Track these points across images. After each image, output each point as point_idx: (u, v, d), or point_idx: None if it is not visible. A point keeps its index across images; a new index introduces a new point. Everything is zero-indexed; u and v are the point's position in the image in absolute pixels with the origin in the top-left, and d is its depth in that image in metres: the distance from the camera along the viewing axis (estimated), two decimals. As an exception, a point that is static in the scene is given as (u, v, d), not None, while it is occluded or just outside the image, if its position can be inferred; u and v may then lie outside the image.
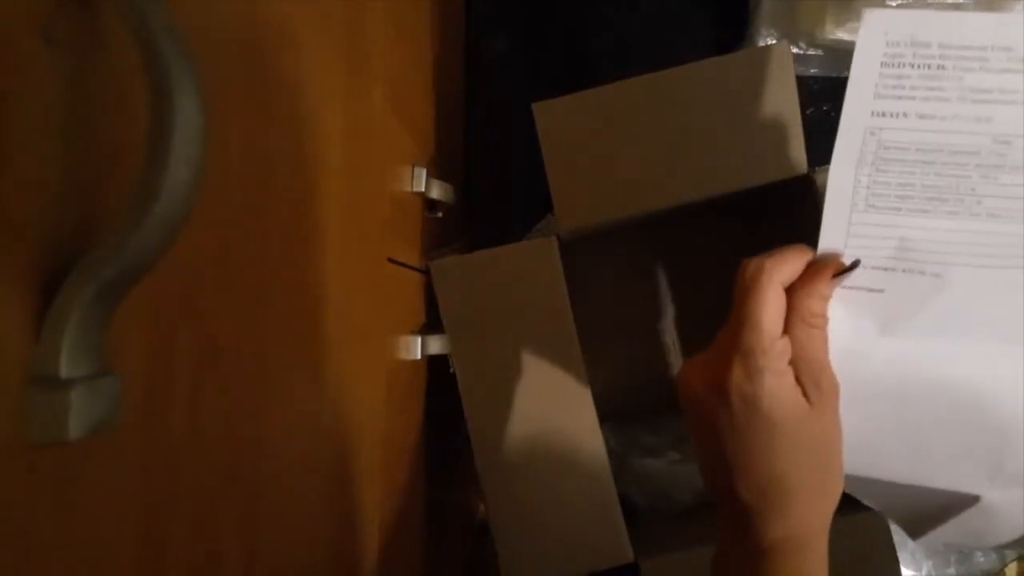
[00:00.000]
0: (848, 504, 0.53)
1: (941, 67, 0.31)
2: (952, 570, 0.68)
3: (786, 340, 0.34)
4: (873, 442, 0.40)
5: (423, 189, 0.58)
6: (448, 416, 0.61)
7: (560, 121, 0.55)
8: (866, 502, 0.49)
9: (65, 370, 0.20)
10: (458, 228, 0.76)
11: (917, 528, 0.49)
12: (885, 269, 0.35)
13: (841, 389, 0.36)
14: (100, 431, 0.21)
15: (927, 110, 0.32)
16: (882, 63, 0.31)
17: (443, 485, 0.68)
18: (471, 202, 0.81)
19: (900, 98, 0.32)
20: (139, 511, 0.25)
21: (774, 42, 0.69)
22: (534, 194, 0.61)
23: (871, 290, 0.36)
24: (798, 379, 0.35)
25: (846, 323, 0.36)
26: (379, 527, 0.49)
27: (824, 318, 0.35)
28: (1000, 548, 0.64)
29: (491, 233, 0.63)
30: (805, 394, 0.35)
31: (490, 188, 0.82)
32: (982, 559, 0.68)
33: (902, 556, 0.58)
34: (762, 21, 0.73)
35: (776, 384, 0.34)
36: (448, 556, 0.72)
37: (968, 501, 0.43)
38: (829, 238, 0.35)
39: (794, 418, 0.34)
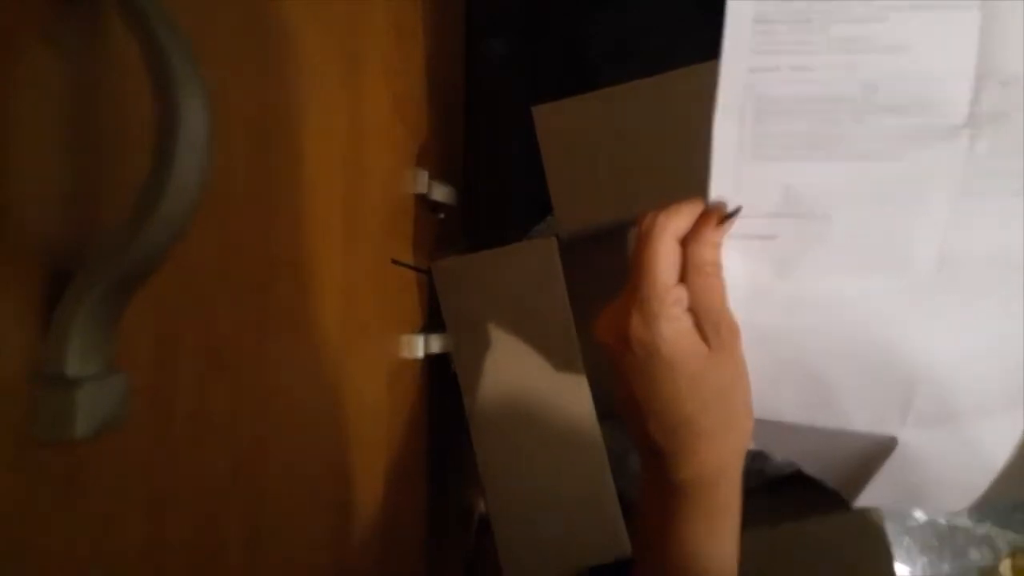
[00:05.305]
0: (844, 503, 0.53)
1: (808, 20, 0.33)
2: (946, 566, 0.68)
3: (681, 288, 0.36)
4: (781, 387, 0.41)
5: (424, 191, 0.58)
6: (449, 414, 0.61)
7: (560, 124, 0.55)
8: (793, 460, 0.49)
9: (71, 369, 0.20)
10: (459, 229, 0.76)
11: (850, 486, 0.49)
12: (775, 216, 0.36)
13: (743, 335, 0.37)
14: (107, 430, 0.21)
15: (798, 62, 0.34)
16: (754, 20, 0.33)
17: (443, 484, 0.68)
18: (472, 203, 0.81)
19: (773, 52, 0.33)
20: (143, 509, 0.25)
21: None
22: (534, 195, 0.61)
23: (764, 237, 0.37)
24: (698, 326, 0.36)
25: (743, 270, 0.37)
26: (380, 526, 0.49)
27: (716, 266, 0.36)
28: (944, 509, 0.61)
29: (491, 234, 0.63)
30: (705, 339, 0.36)
31: (490, 190, 0.82)
32: (976, 555, 0.68)
33: (896, 553, 0.58)
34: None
35: (672, 329, 0.35)
36: (448, 555, 0.72)
37: (887, 445, 0.43)
38: (718, 191, 0.36)
39: (694, 362, 0.36)
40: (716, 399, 0.37)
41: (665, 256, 0.35)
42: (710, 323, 0.36)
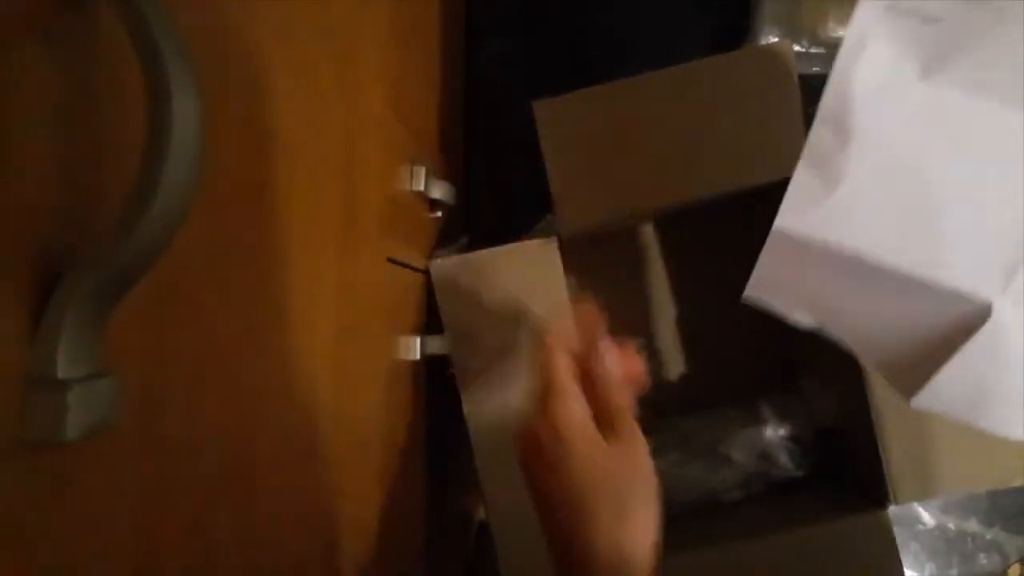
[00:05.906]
0: (851, 505, 0.53)
1: None
2: (955, 571, 0.68)
3: (580, 389, 0.39)
4: (883, 210, 0.36)
5: (423, 188, 0.58)
6: (448, 416, 0.61)
7: (561, 120, 0.55)
8: (853, 343, 0.42)
9: (62, 371, 0.20)
10: (458, 228, 0.76)
11: (911, 377, 0.41)
12: None
13: (864, 136, 0.34)
14: (98, 432, 0.21)
15: None
16: None
17: (443, 485, 0.68)
18: (471, 202, 0.81)
19: None
20: (136, 512, 0.24)
21: (776, 40, 0.68)
22: (534, 194, 0.61)
23: (926, 19, 0.32)
24: (598, 424, 0.39)
25: (888, 57, 0.33)
26: (379, 527, 0.49)
27: (607, 376, 0.39)
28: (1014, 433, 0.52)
29: (491, 233, 0.63)
30: (605, 437, 0.38)
31: (490, 188, 0.82)
32: (984, 560, 0.68)
33: (904, 558, 0.58)
34: (764, 20, 0.72)
35: (569, 412, 0.38)
36: (448, 556, 0.72)
37: (976, 318, 0.37)
38: None
39: (588, 445, 0.38)
40: (606, 482, 0.37)
41: (562, 363, 0.39)
42: (607, 419, 0.39)
